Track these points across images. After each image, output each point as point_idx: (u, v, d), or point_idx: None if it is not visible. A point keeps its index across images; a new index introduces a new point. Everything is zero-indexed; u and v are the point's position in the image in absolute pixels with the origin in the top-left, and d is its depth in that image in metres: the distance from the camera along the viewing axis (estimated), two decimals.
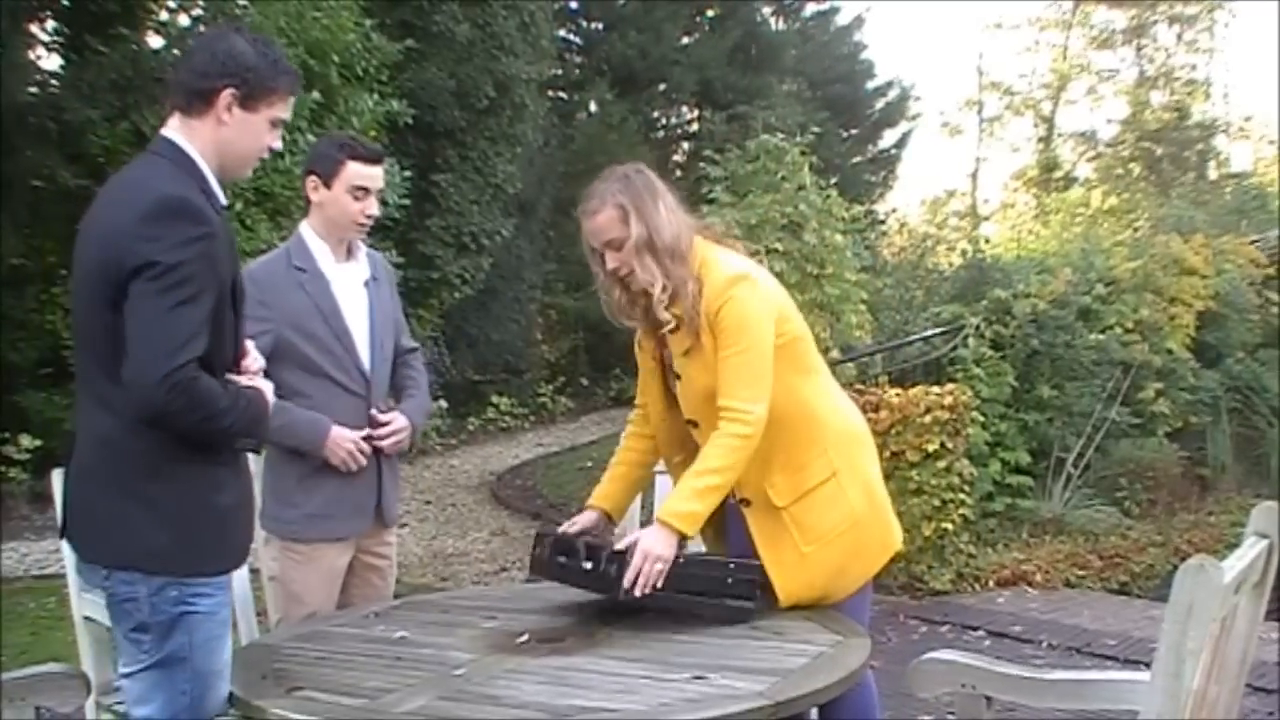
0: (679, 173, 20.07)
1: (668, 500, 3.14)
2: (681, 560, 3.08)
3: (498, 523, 10.64)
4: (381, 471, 3.67)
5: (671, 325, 3.19)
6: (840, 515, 3.22)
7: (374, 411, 3.64)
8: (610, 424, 16.51)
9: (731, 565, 3.15)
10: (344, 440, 3.54)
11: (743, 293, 3.14)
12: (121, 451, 2.60)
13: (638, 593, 3.01)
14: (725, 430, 3.09)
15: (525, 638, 3.03)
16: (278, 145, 2.82)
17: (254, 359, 2.84)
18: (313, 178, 3.60)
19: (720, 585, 3.11)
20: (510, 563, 8.91)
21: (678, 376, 3.26)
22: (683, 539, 3.09)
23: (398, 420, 3.69)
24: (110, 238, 2.58)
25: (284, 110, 2.77)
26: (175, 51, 11.16)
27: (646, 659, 2.81)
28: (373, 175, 3.60)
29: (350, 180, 3.56)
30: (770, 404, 3.13)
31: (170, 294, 2.51)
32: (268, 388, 2.80)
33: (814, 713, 3.27)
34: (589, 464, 13.27)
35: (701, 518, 3.11)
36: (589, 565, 3.14)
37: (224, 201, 2.74)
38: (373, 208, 3.61)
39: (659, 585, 3.02)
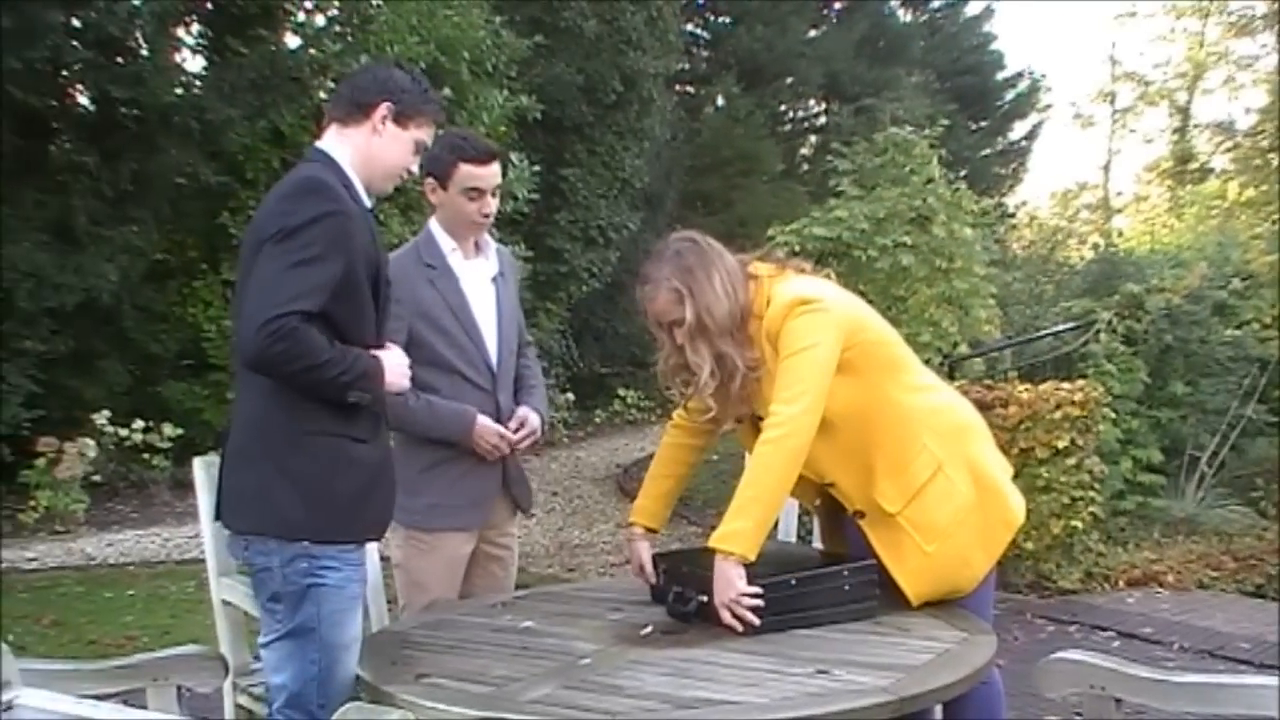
0: (805, 166, 20.00)
1: (718, 531, 3.06)
2: (794, 581, 3.04)
3: (623, 515, 10.58)
4: (506, 463, 3.70)
5: (711, 414, 3.22)
6: (955, 506, 3.18)
7: (506, 421, 3.67)
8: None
9: (846, 572, 3.11)
10: (490, 431, 3.59)
11: (801, 310, 3.08)
12: (266, 426, 2.76)
13: (740, 627, 2.95)
14: (762, 438, 3.04)
15: (649, 630, 3.05)
16: (415, 169, 3.05)
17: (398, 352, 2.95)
18: (430, 180, 3.63)
19: (839, 594, 3.07)
20: None
21: (762, 419, 3.17)
22: (745, 563, 2.98)
23: (530, 420, 3.72)
24: (258, 221, 2.79)
25: (428, 135, 3.02)
26: (311, 51, 11.42)
27: (769, 652, 2.80)
28: (485, 175, 3.61)
29: (463, 182, 3.59)
30: (862, 412, 3.11)
31: (288, 255, 2.67)
32: (392, 358, 2.88)
33: (938, 710, 3.25)
34: (714, 457, 13.18)
35: (751, 533, 3.00)
36: (681, 607, 3.10)
37: (368, 203, 2.91)
38: (489, 206, 3.63)
39: (773, 611, 2.96)
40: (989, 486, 3.27)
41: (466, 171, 3.59)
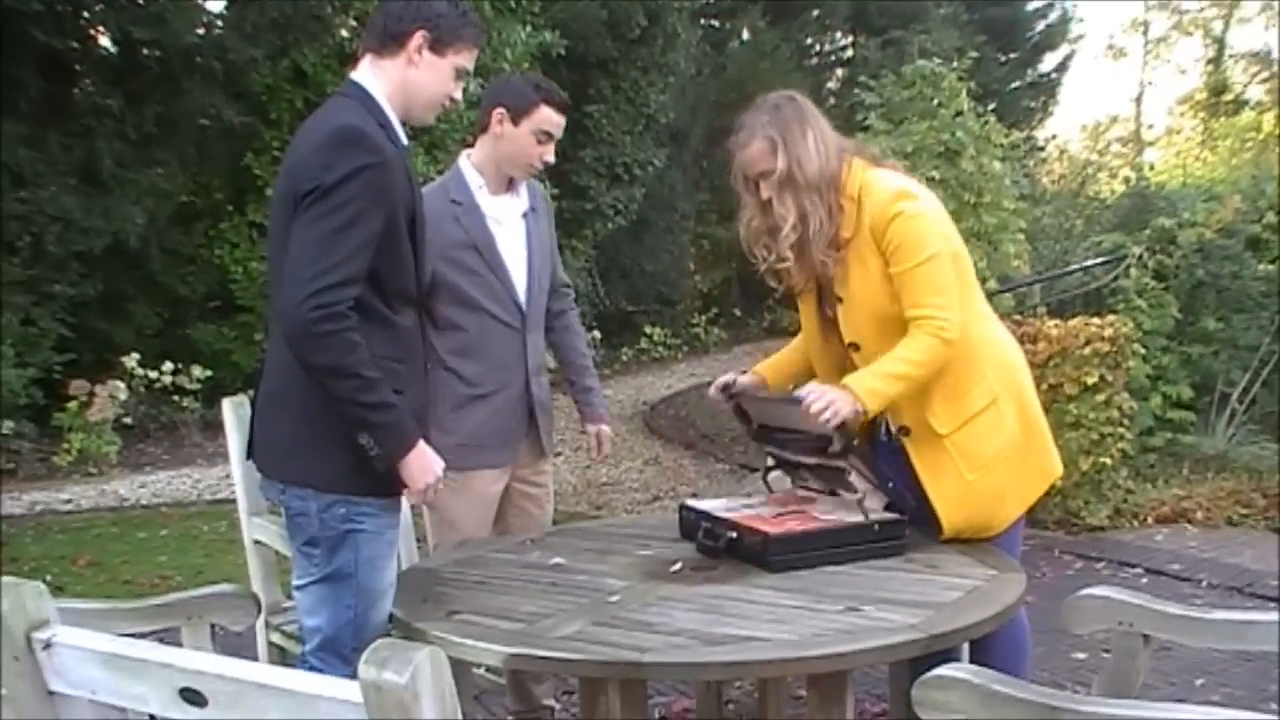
0: (833, 100, 19.79)
1: (857, 373, 3.12)
2: (822, 523, 3.12)
3: (651, 452, 10.73)
4: (533, 402, 3.71)
5: (788, 263, 3.22)
6: (1002, 441, 3.21)
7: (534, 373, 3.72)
8: (763, 355, 16.48)
9: (874, 518, 3.15)
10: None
11: (910, 207, 3.13)
12: (303, 376, 2.68)
13: (830, 421, 3.03)
14: (926, 330, 3.09)
15: (679, 566, 3.07)
16: (459, 95, 2.93)
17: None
18: (500, 110, 3.59)
19: (868, 534, 3.11)
20: (663, 492, 8.99)
21: (839, 300, 3.25)
22: (860, 412, 3.07)
23: (601, 431, 4.00)
24: (292, 168, 2.71)
25: (469, 60, 2.89)
26: None
27: (799, 589, 2.81)
28: (559, 122, 3.62)
29: (539, 124, 3.58)
30: None
31: (329, 218, 2.60)
32: (426, 457, 2.79)
33: (965, 647, 3.26)
34: None
35: (885, 401, 3.09)
36: (710, 543, 3.15)
37: (405, 141, 2.83)
38: (550, 154, 3.63)
39: (797, 551, 3.02)
40: (1035, 430, 3.31)
41: (545, 115, 3.58)
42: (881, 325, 3.16)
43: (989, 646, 3.15)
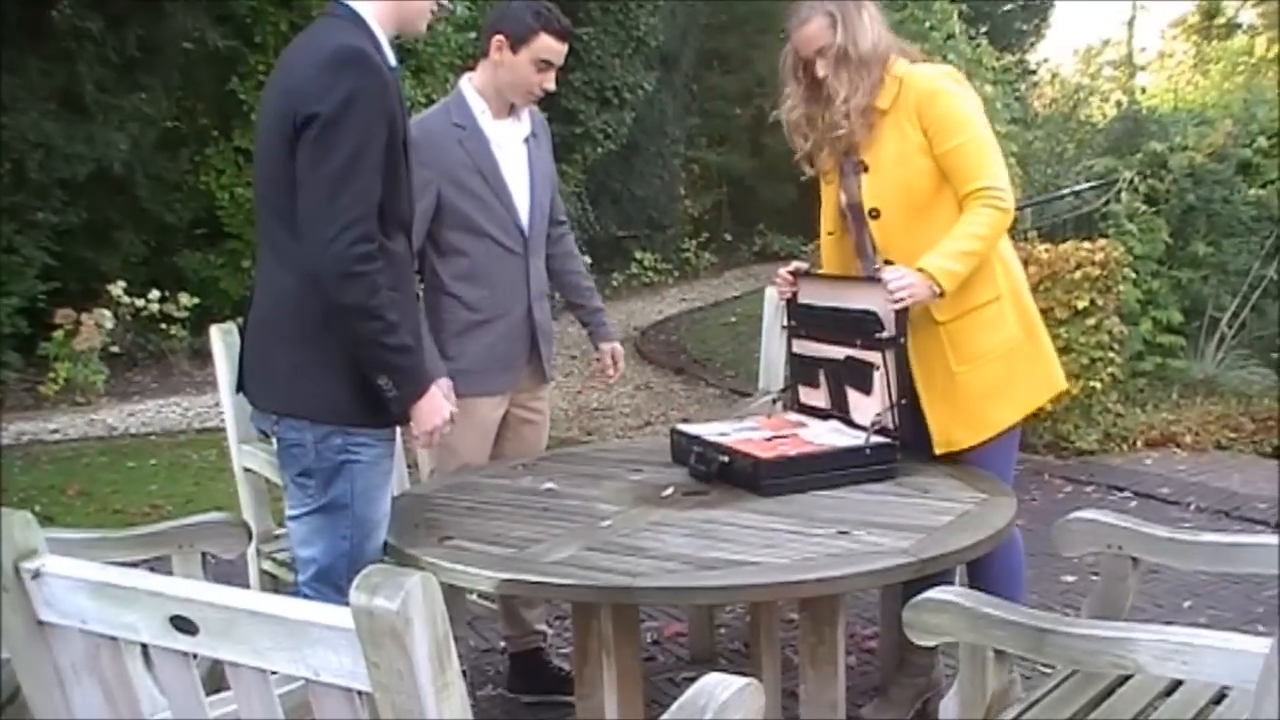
0: None
1: (930, 255, 3.15)
2: (814, 448, 3.15)
3: (642, 378, 10.74)
4: (535, 328, 3.70)
5: (843, 131, 3.26)
6: (998, 340, 3.26)
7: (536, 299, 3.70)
8: (753, 280, 16.44)
9: (867, 444, 3.16)
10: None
11: (951, 86, 3.24)
12: (298, 305, 2.67)
13: (894, 290, 3.09)
14: (983, 201, 3.15)
15: (670, 491, 3.08)
16: (447, 1, 2.94)
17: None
18: (500, 37, 3.55)
19: (860, 458, 3.12)
20: (654, 417, 9.01)
21: (865, 168, 3.29)
22: (936, 295, 3.12)
23: (615, 350, 4.00)
24: (290, 89, 2.65)
25: None
26: None
27: (790, 514, 2.83)
28: (559, 50, 3.58)
29: (539, 53, 3.53)
30: (952, 212, 3.20)
31: (340, 147, 2.57)
32: (438, 398, 2.84)
33: (960, 571, 3.28)
34: (732, 319, 13.31)
35: (959, 279, 3.13)
36: (702, 468, 3.17)
37: (394, 63, 2.79)
38: (550, 82, 3.60)
39: (794, 474, 3.04)
40: (1038, 339, 3.37)
41: (545, 43, 3.54)
42: (905, 193, 3.22)
43: (985, 571, 3.18)
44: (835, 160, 3.40)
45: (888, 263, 3.24)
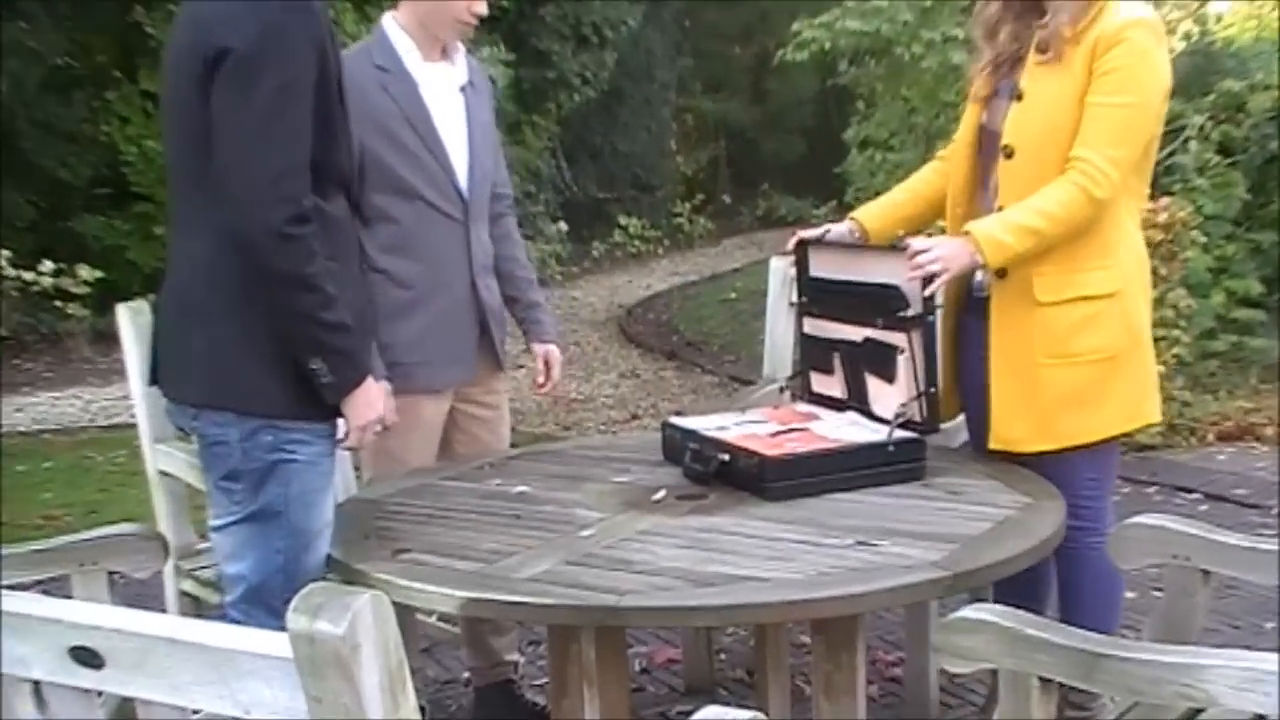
0: None
1: (981, 220, 3.19)
2: (828, 444, 3.18)
3: (627, 364, 10.75)
4: (482, 307, 3.68)
5: (1045, 25, 3.26)
6: (1099, 343, 3.27)
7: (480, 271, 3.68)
8: (756, 249, 16.47)
9: (890, 440, 3.18)
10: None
11: (1143, 38, 3.20)
12: (219, 277, 2.65)
13: (908, 278, 3.13)
14: (1074, 180, 3.15)
15: (662, 494, 3.09)
16: None
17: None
18: None
19: (881, 455, 3.15)
20: (642, 409, 9.04)
21: (1018, 97, 3.30)
22: (979, 266, 3.17)
23: (550, 353, 3.92)
24: (200, 19, 2.63)
25: None
26: None
27: (802, 521, 2.84)
28: None
29: None
30: None
31: (260, 84, 2.54)
32: (376, 390, 2.85)
33: (1053, 594, 3.30)
34: (732, 295, 13.31)
35: (1009, 257, 3.16)
36: (698, 467, 3.18)
37: None
38: (481, 6, 3.56)
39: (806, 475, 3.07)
40: (1143, 356, 3.38)
41: None
42: (1049, 138, 3.22)
43: (1076, 602, 3.24)
44: (993, 81, 3.40)
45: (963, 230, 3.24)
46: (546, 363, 3.91)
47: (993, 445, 3.34)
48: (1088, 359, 3.26)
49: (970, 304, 3.44)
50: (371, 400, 2.80)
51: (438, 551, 2.75)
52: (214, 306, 2.68)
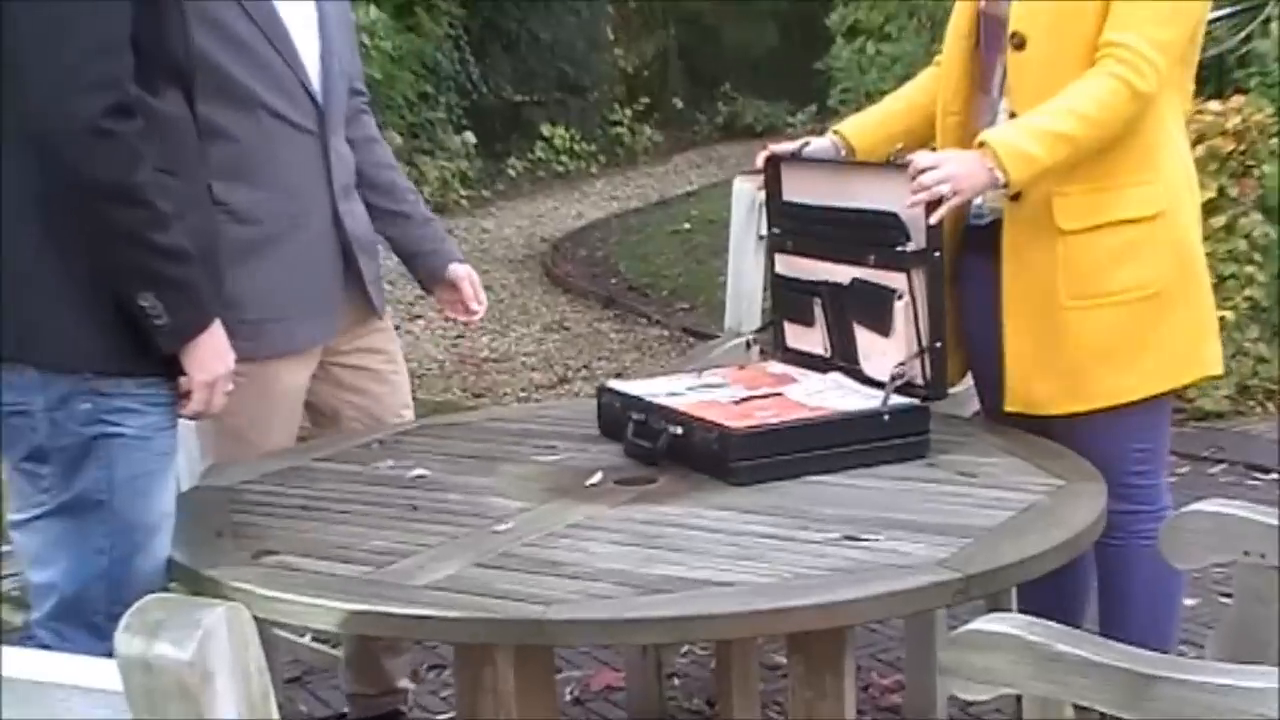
0: None
1: (999, 129, 3.20)
2: (807, 413, 3.19)
3: (554, 313, 10.76)
4: (346, 239, 3.66)
5: None
6: (1139, 276, 3.28)
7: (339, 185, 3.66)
8: (716, 167, 16.48)
9: (886, 407, 3.19)
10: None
11: None
12: (10, 188, 2.61)
13: (910, 202, 3.13)
14: (1111, 71, 3.15)
15: (599, 478, 3.10)
16: None
17: None
18: None
19: (875, 427, 3.16)
20: (573, 370, 9.06)
21: None
22: (999, 185, 3.15)
23: (469, 277, 3.99)
24: None
25: None
26: None
27: (773, 510, 2.85)
28: None
29: None
30: None
31: None
32: (224, 340, 2.83)
33: (1092, 597, 3.32)
34: (686, 226, 13.34)
35: (1038, 170, 3.14)
36: (645, 444, 3.19)
37: None
38: None
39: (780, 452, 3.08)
40: (1197, 289, 3.39)
41: None
42: (1069, 16, 3.22)
43: (1122, 611, 3.25)
44: None
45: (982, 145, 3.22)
46: (471, 283, 3.94)
47: (1010, 407, 3.36)
48: (1125, 298, 3.28)
49: (970, 236, 3.46)
50: (220, 350, 2.77)
51: (312, 552, 2.74)
52: (10, 235, 2.63)
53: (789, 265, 3.61)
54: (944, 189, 3.09)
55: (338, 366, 3.73)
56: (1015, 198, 3.26)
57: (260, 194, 3.53)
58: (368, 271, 3.72)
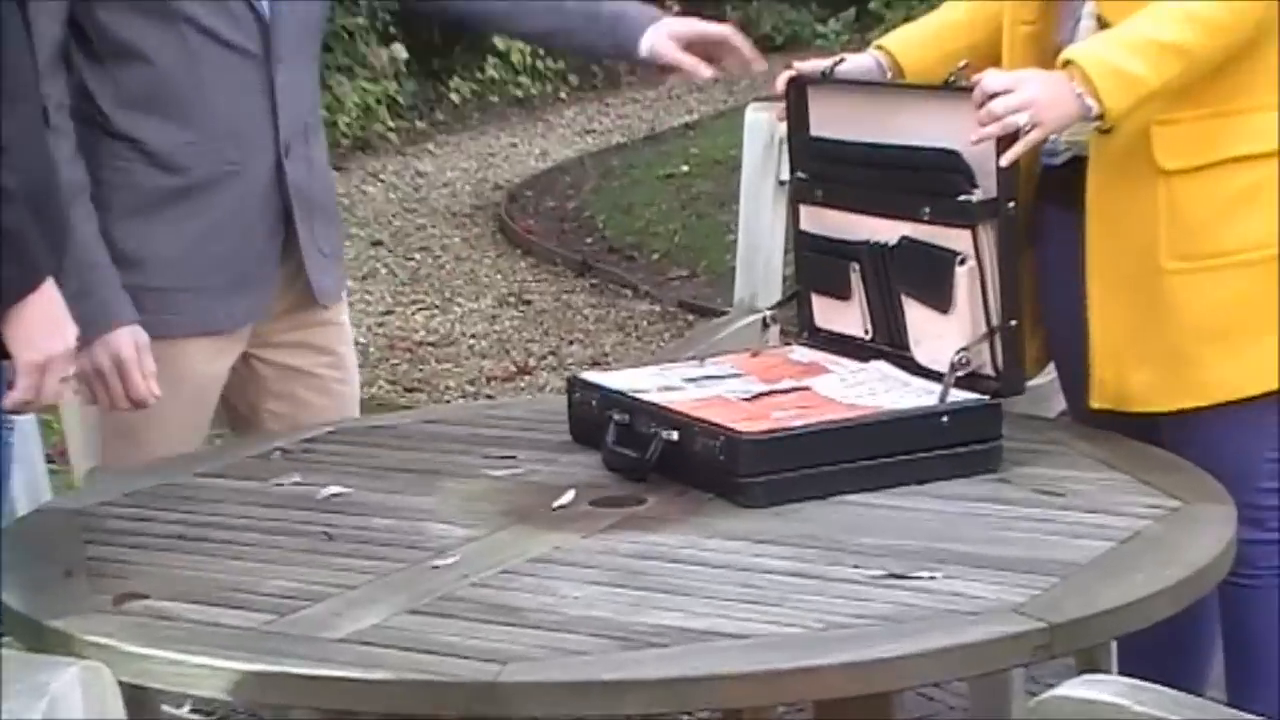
0: None
1: (1087, 43, 3.21)
2: (841, 413, 3.19)
3: (510, 281, 10.76)
4: (288, 195, 3.68)
5: None
6: (1264, 232, 3.27)
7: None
8: (724, 91, 16.45)
9: (945, 405, 3.19)
10: (130, 357, 3.41)
11: None
12: None
13: (976, 136, 3.12)
14: None
15: (570, 498, 3.10)
16: None
17: None
18: None
19: (930, 431, 3.15)
20: (535, 357, 9.08)
21: None
22: (1091, 116, 3.14)
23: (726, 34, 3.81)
24: None
25: None
26: None
27: (797, 539, 2.85)
28: None
29: None
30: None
31: None
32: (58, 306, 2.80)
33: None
34: (684, 169, 13.33)
35: (1142, 94, 3.13)
36: (630, 453, 3.19)
37: None
38: None
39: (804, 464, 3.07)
40: None
41: None
42: None
43: (1255, 672, 3.26)
44: None
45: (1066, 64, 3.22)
46: (729, 42, 3.82)
47: (1097, 403, 3.34)
48: (1246, 258, 3.28)
49: (1042, 181, 3.46)
50: (54, 321, 2.75)
51: (193, 596, 2.73)
52: None
53: (818, 220, 3.60)
54: (1021, 119, 3.08)
55: (262, 362, 3.76)
56: (1106, 130, 3.24)
57: (181, 132, 3.57)
58: (320, 241, 3.74)
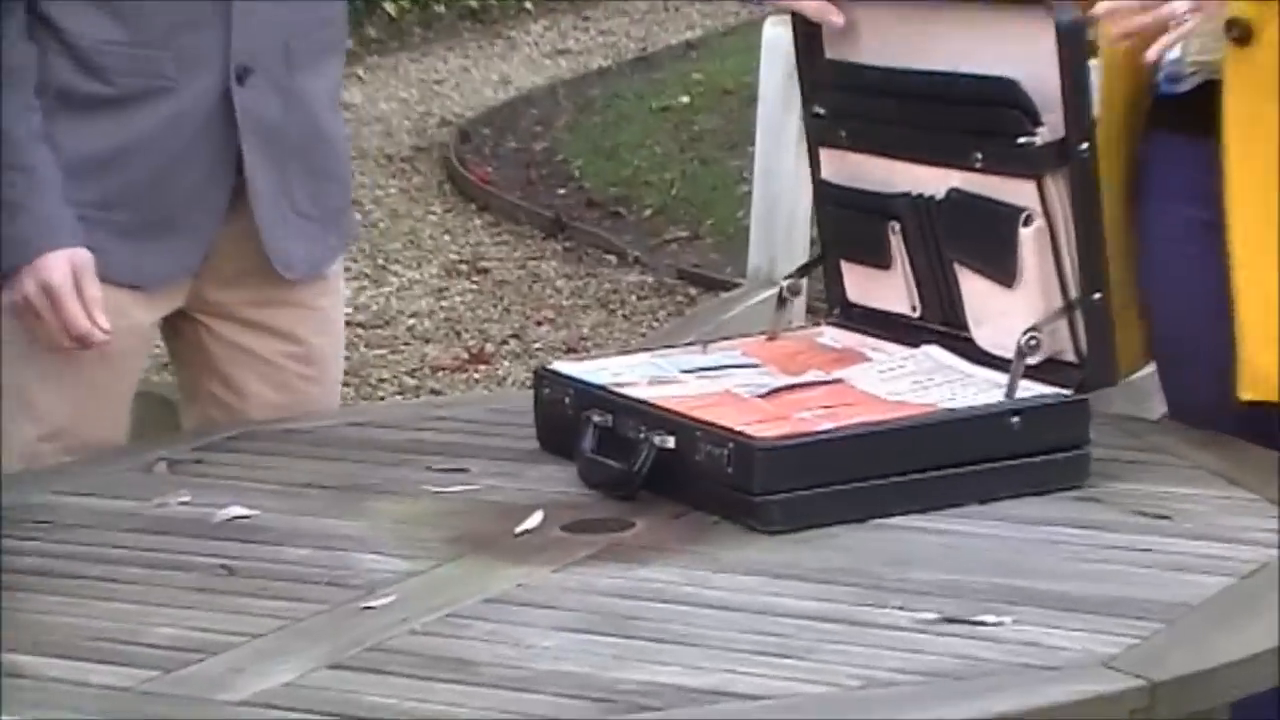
0: None
1: None
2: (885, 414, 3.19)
3: (462, 244, 10.80)
4: (238, 135, 3.69)
5: None
6: None
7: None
8: (727, 3, 16.50)
9: (1012, 401, 3.20)
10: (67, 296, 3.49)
11: None
12: None
13: (1120, 30, 3.16)
14: None
15: (537, 521, 3.10)
16: None
17: None
18: None
19: (994, 435, 3.14)
20: (495, 341, 9.10)
21: None
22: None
23: None
24: None
25: None
26: None
27: (826, 574, 2.85)
28: None
29: None
30: None
31: None
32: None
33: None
34: (683, 99, 13.36)
35: None
36: (613, 463, 3.20)
37: None
38: None
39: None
40: None
41: None
42: None
43: None
44: None
45: None
46: None
47: (1248, 393, 3.32)
48: None
49: (1157, 110, 3.46)
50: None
51: (53, 648, 2.72)
52: None
53: (843, 168, 3.58)
54: (1179, 4, 3.09)
55: (209, 333, 3.84)
56: (1244, 39, 3.23)
57: (111, 27, 3.61)
58: (296, 197, 3.79)
